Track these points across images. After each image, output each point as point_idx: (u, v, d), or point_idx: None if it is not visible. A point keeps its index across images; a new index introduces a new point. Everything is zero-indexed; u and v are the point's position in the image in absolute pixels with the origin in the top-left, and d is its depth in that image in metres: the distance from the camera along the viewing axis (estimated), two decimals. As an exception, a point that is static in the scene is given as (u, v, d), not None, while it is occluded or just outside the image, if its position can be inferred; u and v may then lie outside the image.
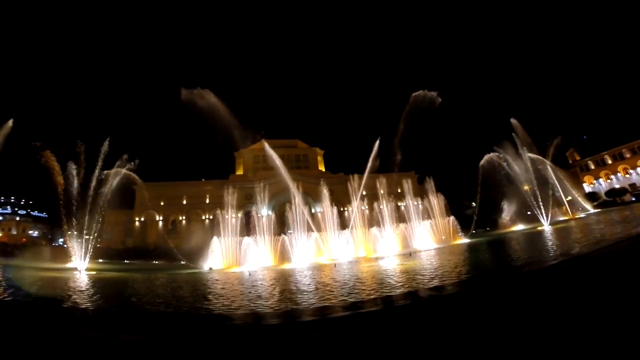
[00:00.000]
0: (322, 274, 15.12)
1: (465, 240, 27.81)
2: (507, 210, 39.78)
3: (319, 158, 61.63)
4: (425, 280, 9.70)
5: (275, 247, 25.23)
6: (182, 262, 27.04)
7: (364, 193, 32.54)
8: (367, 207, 31.31)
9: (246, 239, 26.13)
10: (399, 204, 37.69)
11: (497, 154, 36.78)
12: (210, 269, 23.65)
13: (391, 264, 15.88)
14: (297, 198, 27.54)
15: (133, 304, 9.83)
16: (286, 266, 21.21)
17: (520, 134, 40.29)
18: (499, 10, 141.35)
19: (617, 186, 59.91)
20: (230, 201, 28.98)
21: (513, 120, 40.87)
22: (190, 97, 30.22)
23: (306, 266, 19.44)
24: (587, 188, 65.66)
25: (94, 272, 20.70)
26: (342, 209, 30.69)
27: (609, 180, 64.84)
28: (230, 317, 6.54)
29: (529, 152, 38.68)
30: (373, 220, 29.51)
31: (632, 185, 58.57)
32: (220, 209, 29.05)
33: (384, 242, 26.64)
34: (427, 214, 32.90)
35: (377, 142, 31.28)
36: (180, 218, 50.37)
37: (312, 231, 26.31)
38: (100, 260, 29.37)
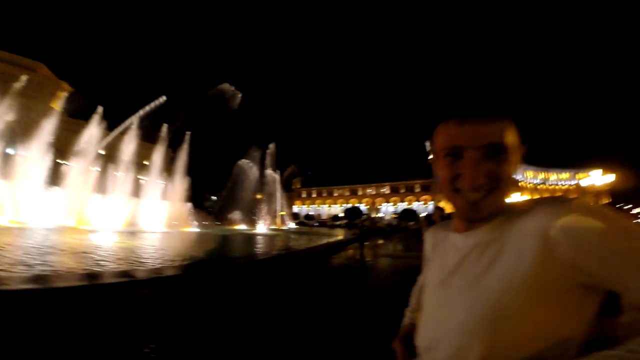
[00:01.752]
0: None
1: (196, 230, 28.87)
2: (239, 211, 45.89)
3: (62, 94, 45.66)
4: (144, 261, 9.54)
5: None
6: None
7: (103, 152, 27.08)
8: (99, 168, 25.91)
9: None
10: (143, 177, 34.22)
11: (247, 161, 42.88)
12: None
13: (107, 240, 14.12)
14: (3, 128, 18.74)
15: None
16: None
17: (271, 155, 49.15)
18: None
19: (311, 213, 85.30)
20: None
21: (271, 146, 49.33)
22: None
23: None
24: (295, 209, 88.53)
25: None
26: (64, 162, 23.74)
27: (309, 207, 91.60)
28: None
29: (270, 170, 47.65)
30: (101, 187, 24.79)
31: (319, 214, 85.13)
32: None
33: (106, 214, 22.87)
34: (167, 195, 31.82)
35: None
36: None
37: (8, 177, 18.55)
38: None
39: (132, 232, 19.16)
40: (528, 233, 0.65)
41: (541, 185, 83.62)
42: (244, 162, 43.21)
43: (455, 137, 0.73)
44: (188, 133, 35.57)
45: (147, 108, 31.40)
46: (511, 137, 0.73)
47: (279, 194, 51.25)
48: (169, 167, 40.05)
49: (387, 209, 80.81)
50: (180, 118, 34.93)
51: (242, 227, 40.01)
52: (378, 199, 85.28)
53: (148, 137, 33.33)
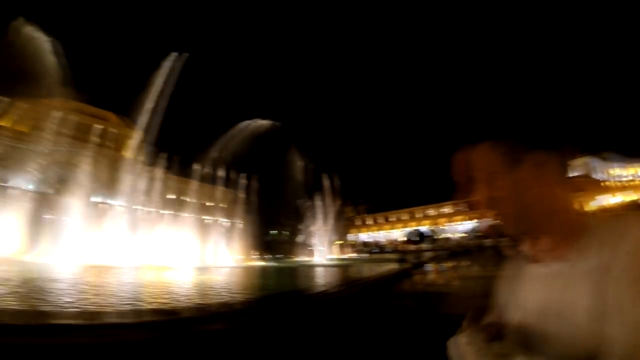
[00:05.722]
0: (93, 275, 12.29)
1: (260, 263, 29.81)
2: (299, 242, 46.44)
3: (133, 142, 50.76)
4: (216, 295, 9.72)
5: (31, 233, 18.51)
6: None
7: (174, 197, 29.80)
8: (174, 212, 28.47)
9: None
10: (211, 217, 36.96)
11: (304, 199, 43.79)
12: None
13: (185, 276, 14.91)
14: (85, 178, 21.74)
15: None
16: (42, 260, 15.87)
17: (328, 187, 49.57)
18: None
19: (368, 240, 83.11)
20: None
21: (335, 178, 50.16)
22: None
23: (70, 264, 15.27)
24: (351, 237, 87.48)
25: None
26: (141, 207, 26.48)
27: (366, 235, 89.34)
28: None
29: (324, 202, 47.74)
30: (176, 227, 27.01)
31: (377, 241, 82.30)
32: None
33: (181, 252, 24.59)
34: (232, 233, 33.70)
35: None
36: None
37: (92, 223, 21.17)
38: None
39: (205, 268, 20.14)
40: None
41: (633, 182, 64.97)
42: (302, 199, 44.37)
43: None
44: (243, 174, 38.02)
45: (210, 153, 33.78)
46: None
47: (334, 224, 50.82)
48: (232, 207, 42.74)
49: (453, 228, 74.79)
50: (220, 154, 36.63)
51: (302, 258, 40.06)
52: (441, 219, 79.58)
53: (209, 180, 36.12)
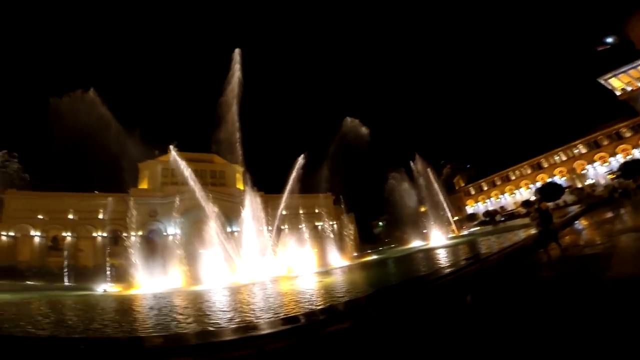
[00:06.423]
0: (238, 294, 14.47)
1: (374, 257, 30.07)
2: (408, 228, 44.80)
3: (238, 175, 58.00)
4: (341, 295, 10.16)
5: (185, 267, 23.44)
6: (67, 284, 23.21)
7: (284, 213, 32.71)
8: (286, 226, 31.40)
9: (150, 258, 24.03)
10: (317, 223, 39.39)
11: (398, 180, 42.15)
12: (105, 291, 21.36)
13: (310, 282, 16.14)
14: (212, 216, 26.03)
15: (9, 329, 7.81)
16: (198, 287, 19.63)
17: (420, 164, 46.58)
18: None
19: (490, 208, 73.30)
20: (131, 217, 26.31)
21: (417, 155, 47.18)
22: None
23: (221, 287, 18.32)
24: (469, 210, 78.81)
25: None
26: (260, 228, 30.04)
27: (485, 203, 78.82)
28: (142, 340, 5.75)
29: (425, 179, 44.86)
30: (292, 240, 29.63)
31: (502, 207, 72.22)
32: (117, 225, 25.79)
33: (302, 260, 26.85)
34: (340, 233, 35.08)
35: (299, 161, 31.80)
36: (65, 234, 42.19)
37: (228, 251, 25.08)
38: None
39: (325, 271, 21.45)
40: None
41: None
42: (394, 182, 42.71)
43: None
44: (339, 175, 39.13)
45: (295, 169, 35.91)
46: None
47: (443, 199, 47.23)
48: (334, 208, 44.60)
49: (597, 171, 59.59)
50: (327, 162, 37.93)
51: (417, 243, 38.56)
52: (576, 163, 64.54)
53: (305, 189, 38.32)
